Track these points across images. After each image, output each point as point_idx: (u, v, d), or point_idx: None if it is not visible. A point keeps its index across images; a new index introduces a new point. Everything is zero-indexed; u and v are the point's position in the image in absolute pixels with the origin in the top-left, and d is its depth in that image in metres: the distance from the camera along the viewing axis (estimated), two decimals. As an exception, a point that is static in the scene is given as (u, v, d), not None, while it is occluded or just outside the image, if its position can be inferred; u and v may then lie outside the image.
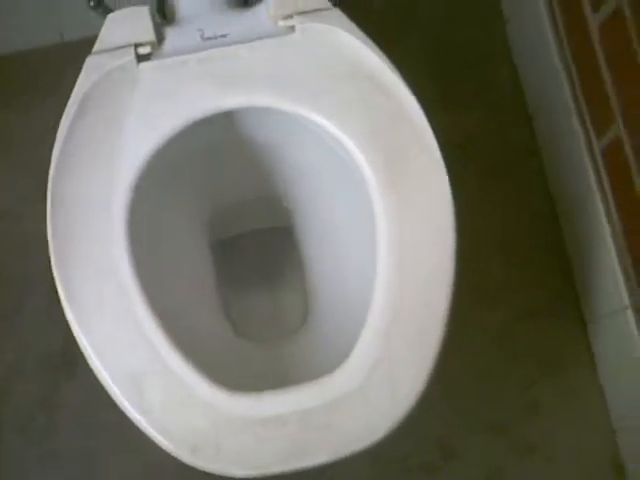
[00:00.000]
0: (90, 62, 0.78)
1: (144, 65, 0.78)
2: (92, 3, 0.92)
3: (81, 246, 0.73)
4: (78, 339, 0.71)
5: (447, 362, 1.07)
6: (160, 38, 0.79)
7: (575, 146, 1.06)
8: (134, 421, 0.71)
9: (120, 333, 0.71)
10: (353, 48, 0.79)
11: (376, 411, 0.70)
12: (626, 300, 0.99)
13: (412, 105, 0.77)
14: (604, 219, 1.02)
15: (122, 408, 0.71)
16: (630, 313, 0.98)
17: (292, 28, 0.79)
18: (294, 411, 0.70)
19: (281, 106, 0.77)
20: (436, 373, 0.74)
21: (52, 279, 1.08)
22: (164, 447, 0.70)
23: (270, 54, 0.79)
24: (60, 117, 0.77)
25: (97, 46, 0.79)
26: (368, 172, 0.76)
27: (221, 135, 0.86)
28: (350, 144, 0.76)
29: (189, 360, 0.71)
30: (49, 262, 1.12)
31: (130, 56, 0.77)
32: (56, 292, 1.09)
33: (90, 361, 0.71)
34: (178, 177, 0.82)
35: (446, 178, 0.75)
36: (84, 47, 0.81)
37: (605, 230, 1.02)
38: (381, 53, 0.79)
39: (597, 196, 1.03)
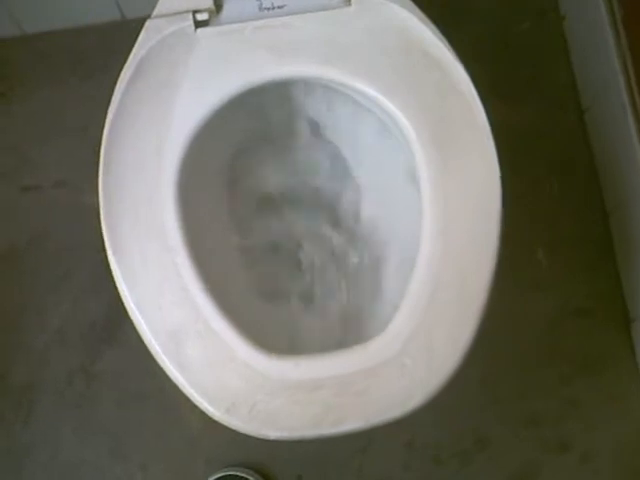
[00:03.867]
0: (148, 26, 0.79)
1: (201, 31, 0.79)
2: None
3: (130, 203, 0.74)
4: (122, 292, 0.73)
5: (487, 352, 1.08)
6: (219, 6, 0.81)
7: (628, 142, 1.05)
8: (171, 376, 0.71)
9: (163, 290, 0.73)
10: (407, 22, 0.79)
11: (412, 380, 0.70)
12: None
13: (464, 80, 0.77)
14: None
15: (160, 363, 0.72)
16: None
17: (348, 1, 0.80)
18: (330, 376, 0.70)
19: (334, 77, 0.78)
20: (474, 349, 0.73)
21: (102, 251, 1.12)
22: (199, 404, 0.71)
23: (326, 26, 0.79)
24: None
25: (156, 11, 0.80)
26: (417, 146, 0.76)
27: (273, 107, 0.87)
28: (401, 117, 0.76)
29: (229, 320, 0.72)
30: (100, 234, 1.17)
31: (188, 21, 0.79)
32: (104, 264, 1.13)
33: (132, 314, 0.72)
34: (224, 139, 0.83)
35: (494, 152, 0.75)
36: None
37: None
38: (436, 29, 0.79)
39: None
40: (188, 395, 0.71)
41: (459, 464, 1.09)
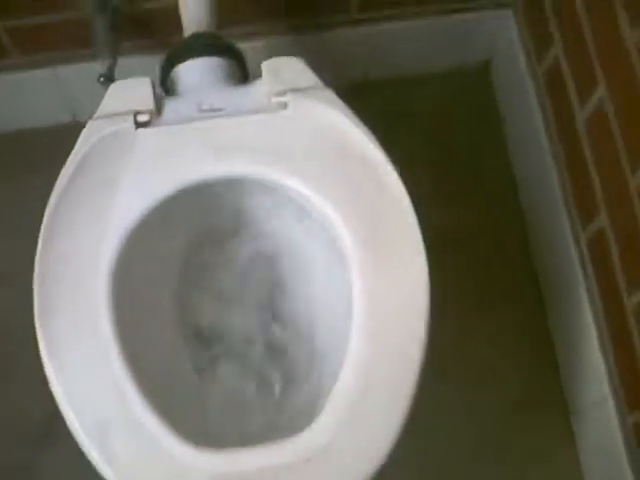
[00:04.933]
0: (90, 126, 0.82)
1: (142, 131, 0.82)
2: (102, 79, 0.99)
3: (64, 293, 0.75)
4: (51, 382, 0.73)
5: (430, 446, 1.09)
6: (159, 108, 0.84)
7: (563, 237, 1.09)
8: (98, 470, 0.71)
9: (93, 381, 0.73)
10: (341, 126, 0.83)
11: (341, 472, 0.71)
12: (607, 390, 0.99)
13: (394, 180, 0.80)
14: (589, 310, 1.03)
15: (87, 456, 0.72)
16: (611, 404, 0.99)
17: (284, 105, 0.84)
18: (257, 468, 0.71)
19: (270, 176, 0.81)
20: (404, 441, 0.74)
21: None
22: (127, 499, 0.71)
23: (262, 128, 0.83)
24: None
25: (98, 112, 0.83)
26: (347, 244, 0.78)
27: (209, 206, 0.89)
28: (333, 215, 0.79)
29: (156, 412, 0.72)
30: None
31: (129, 122, 0.82)
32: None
33: (60, 404, 0.72)
34: (165, 237, 0.85)
35: (423, 251, 0.77)
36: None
37: (590, 323, 1.03)
38: (370, 133, 0.82)
39: (582, 288, 1.05)
40: (116, 490, 0.71)
41: None
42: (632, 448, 0.97)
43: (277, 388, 0.88)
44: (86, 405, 0.72)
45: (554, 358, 1.16)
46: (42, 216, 1.09)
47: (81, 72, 1.16)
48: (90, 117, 0.84)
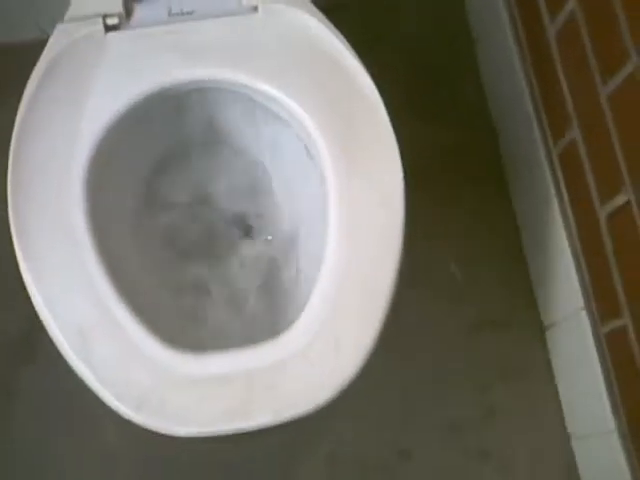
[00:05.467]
0: (59, 30, 0.80)
1: (112, 35, 0.80)
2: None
3: (40, 201, 0.74)
4: (29, 289, 0.72)
5: (406, 363, 1.09)
6: (128, 11, 0.82)
7: (535, 153, 1.09)
8: (79, 374, 0.71)
9: (72, 287, 0.72)
10: (313, 30, 0.81)
11: (320, 375, 0.71)
12: (581, 302, 1.00)
13: (367, 83, 0.80)
14: (561, 224, 1.04)
15: (68, 361, 0.71)
16: (584, 314, 1.00)
17: (255, 8, 0.82)
18: (239, 371, 0.71)
19: (240, 79, 0.80)
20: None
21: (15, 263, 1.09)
22: (108, 402, 0.70)
23: (233, 31, 0.81)
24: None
25: (67, 16, 0.81)
26: (321, 143, 0.78)
27: (185, 115, 0.88)
28: (304, 116, 0.78)
29: (136, 315, 0.71)
30: (9, 244, 1.14)
31: (98, 25, 0.80)
32: (17, 277, 1.10)
33: (40, 312, 0.72)
34: (135, 142, 0.84)
35: (397, 152, 0.77)
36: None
37: (563, 237, 1.04)
38: (341, 36, 0.81)
39: (555, 200, 1.05)
40: (97, 393, 0.70)
41: (382, 476, 1.09)
42: (605, 359, 0.98)
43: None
44: (66, 311, 0.72)
45: (527, 274, 1.17)
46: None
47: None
48: None
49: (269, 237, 0.92)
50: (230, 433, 0.70)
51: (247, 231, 0.92)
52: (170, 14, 0.82)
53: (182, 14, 0.82)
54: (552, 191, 1.06)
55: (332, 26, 0.82)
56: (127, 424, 1.05)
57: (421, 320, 1.13)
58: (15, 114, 0.79)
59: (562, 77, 0.99)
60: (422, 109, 1.23)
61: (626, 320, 0.91)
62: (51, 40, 0.80)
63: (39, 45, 1.19)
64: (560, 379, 1.12)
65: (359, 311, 0.73)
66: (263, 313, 0.88)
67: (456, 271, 1.17)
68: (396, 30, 1.29)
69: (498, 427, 1.11)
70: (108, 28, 0.80)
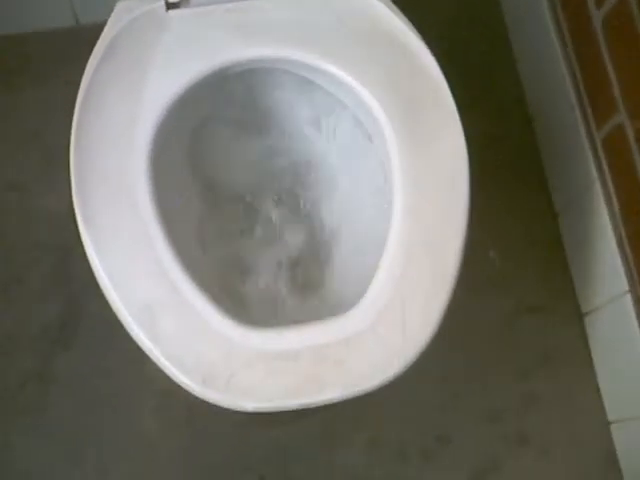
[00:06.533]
0: (120, 7, 0.80)
1: (173, 12, 0.80)
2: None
3: (102, 176, 0.74)
4: (93, 264, 0.72)
5: (446, 349, 1.09)
6: (190, -11, 0.82)
7: (576, 139, 1.09)
8: (145, 349, 0.70)
9: (136, 262, 0.72)
10: (376, 9, 0.81)
11: (387, 350, 0.71)
12: (625, 286, 1.00)
13: (430, 62, 0.80)
14: (604, 208, 1.04)
15: (134, 337, 0.71)
16: (629, 298, 1.00)
17: (317, -14, 0.82)
18: (307, 346, 0.70)
19: (302, 59, 0.80)
20: (447, 320, 0.75)
21: (55, 252, 1.09)
22: (174, 377, 0.70)
23: (293, 9, 0.81)
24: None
25: (127, -8, 0.81)
26: (384, 120, 0.78)
27: (239, 91, 0.88)
28: (367, 95, 0.78)
29: (203, 292, 0.71)
30: (52, 235, 1.14)
31: (160, 2, 0.80)
32: (57, 267, 1.10)
33: (103, 287, 0.71)
34: (193, 120, 0.84)
35: (460, 129, 0.77)
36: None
37: (606, 223, 1.04)
38: (401, 14, 0.82)
39: (597, 185, 1.05)
40: (162, 368, 0.70)
41: (422, 460, 1.09)
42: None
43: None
44: (132, 287, 0.72)
45: (565, 260, 1.17)
46: (48, 125, 1.07)
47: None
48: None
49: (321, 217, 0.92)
50: (298, 408, 0.70)
51: (297, 210, 0.92)
52: (231, -9, 0.82)
53: (242, -8, 0.82)
54: (594, 176, 1.06)
55: (393, 5, 0.82)
56: (164, 411, 1.06)
57: (460, 307, 1.13)
58: (67, 92, 0.79)
59: (608, 61, 0.99)
60: (457, 100, 1.23)
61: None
62: (112, 17, 0.80)
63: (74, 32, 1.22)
64: (599, 364, 1.12)
65: (425, 289, 0.73)
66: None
67: (495, 257, 1.17)
68: (427, 16, 1.29)
69: (537, 413, 1.11)
70: (169, 5, 0.80)
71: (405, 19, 0.81)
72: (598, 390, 1.12)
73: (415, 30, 0.81)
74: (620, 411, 1.09)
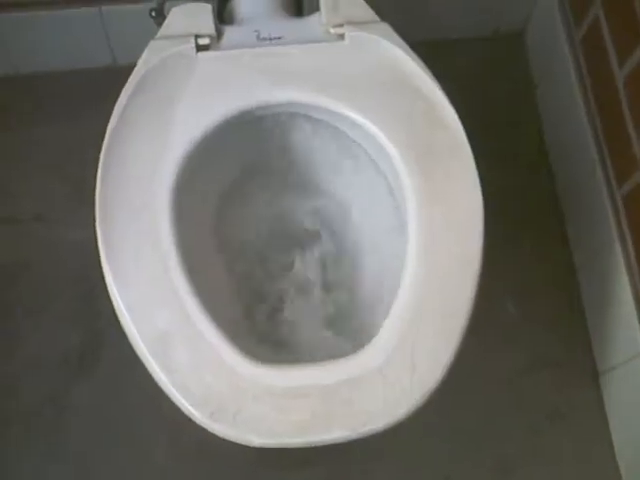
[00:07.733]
0: (152, 46, 0.83)
1: (202, 54, 0.83)
2: (153, 13, 0.99)
3: (125, 208, 0.76)
4: (111, 293, 0.73)
5: (458, 401, 1.09)
6: (219, 33, 0.85)
7: (597, 196, 1.10)
8: (156, 379, 0.71)
9: (154, 293, 0.73)
10: (398, 58, 0.83)
11: (396, 392, 0.71)
12: (641, 345, 1.00)
13: (450, 114, 0.81)
14: (624, 267, 1.04)
15: (146, 366, 0.72)
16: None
17: (342, 36, 0.85)
18: (316, 384, 0.71)
19: (325, 104, 0.82)
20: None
21: (80, 283, 1.11)
22: (183, 408, 0.70)
23: (319, 57, 0.83)
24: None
25: (160, 33, 0.84)
26: (403, 171, 0.79)
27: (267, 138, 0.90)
28: (385, 141, 0.80)
29: (217, 326, 0.72)
30: (77, 266, 1.16)
31: (190, 44, 0.82)
32: (82, 297, 1.12)
33: (120, 316, 0.73)
34: (218, 161, 0.86)
35: (478, 182, 0.79)
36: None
37: (624, 278, 1.04)
38: (424, 65, 0.84)
39: (617, 244, 1.06)
40: (172, 399, 0.71)
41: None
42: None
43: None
44: (147, 317, 0.73)
45: (583, 317, 1.17)
46: (75, 158, 1.09)
47: (125, 13, 1.16)
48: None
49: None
50: (305, 446, 0.70)
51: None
52: (259, 38, 0.85)
53: (270, 39, 0.85)
54: (614, 234, 1.06)
55: (417, 57, 0.84)
56: (178, 443, 1.07)
57: (475, 357, 1.12)
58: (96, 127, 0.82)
59: (629, 119, 1.01)
60: (481, 152, 1.25)
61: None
62: (144, 55, 0.82)
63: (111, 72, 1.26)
64: (614, 423, 1.11)
65: (436, 332, 0.73)
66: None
67: (512, 310, 1.17)
68: (456, 74, 1.32)
69: (547, 469, 1.10)
70: (199, 48, 0.83)
71: (425, 67, 0.83)
72: (612, 449, 1.11)
73: (437, 82, 0.83)
74: (635, 472, 1.07)
